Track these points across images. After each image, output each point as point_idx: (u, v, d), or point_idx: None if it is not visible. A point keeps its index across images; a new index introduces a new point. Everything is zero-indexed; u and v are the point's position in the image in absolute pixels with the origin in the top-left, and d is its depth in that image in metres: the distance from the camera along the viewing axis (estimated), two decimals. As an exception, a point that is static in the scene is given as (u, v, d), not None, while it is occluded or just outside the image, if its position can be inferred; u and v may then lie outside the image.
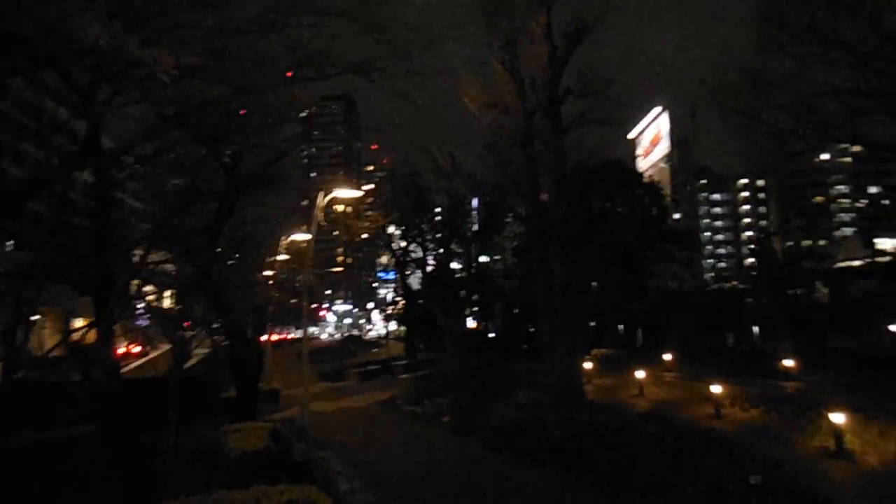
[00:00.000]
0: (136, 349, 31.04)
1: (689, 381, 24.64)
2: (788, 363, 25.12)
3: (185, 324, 15.91)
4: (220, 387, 22.24)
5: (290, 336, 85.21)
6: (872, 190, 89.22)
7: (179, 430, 14.70)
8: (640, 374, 23.75)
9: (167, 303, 18.72)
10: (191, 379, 22.36)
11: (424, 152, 31.42)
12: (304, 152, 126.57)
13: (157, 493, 10.09)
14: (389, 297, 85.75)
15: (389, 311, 78.11)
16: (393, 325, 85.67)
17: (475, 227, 37.19)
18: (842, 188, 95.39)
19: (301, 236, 24.73)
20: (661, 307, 45.25)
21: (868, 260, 47.02)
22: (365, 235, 24.55)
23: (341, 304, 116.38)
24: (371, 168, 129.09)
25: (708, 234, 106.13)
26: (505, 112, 20.16)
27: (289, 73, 10.14)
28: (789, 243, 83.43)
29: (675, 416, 17.10)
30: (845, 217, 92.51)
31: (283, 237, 23.67)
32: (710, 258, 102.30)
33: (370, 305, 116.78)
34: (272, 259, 23.75)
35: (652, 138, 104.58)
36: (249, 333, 19.65)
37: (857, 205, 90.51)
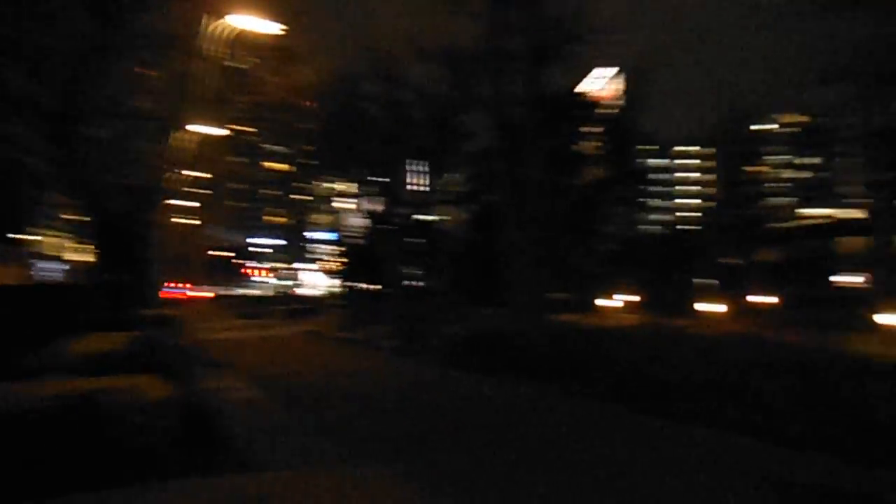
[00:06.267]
0: None
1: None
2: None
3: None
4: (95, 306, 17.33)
5: (207, 294, 78.26)
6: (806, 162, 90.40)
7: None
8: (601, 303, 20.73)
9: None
10: (49, 287, 17.45)
11: (366, 50, 26.65)
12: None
13: None
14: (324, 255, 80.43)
15: (329, 268, 73.09)
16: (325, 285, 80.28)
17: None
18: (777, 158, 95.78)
19: (204, 129, 19.94)
20: (615, 255, 42.94)
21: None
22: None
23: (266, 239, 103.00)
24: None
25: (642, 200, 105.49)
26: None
27: None
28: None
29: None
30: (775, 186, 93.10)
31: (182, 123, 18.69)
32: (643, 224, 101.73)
33: (297, 265, 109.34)
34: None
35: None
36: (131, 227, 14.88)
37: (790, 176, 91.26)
